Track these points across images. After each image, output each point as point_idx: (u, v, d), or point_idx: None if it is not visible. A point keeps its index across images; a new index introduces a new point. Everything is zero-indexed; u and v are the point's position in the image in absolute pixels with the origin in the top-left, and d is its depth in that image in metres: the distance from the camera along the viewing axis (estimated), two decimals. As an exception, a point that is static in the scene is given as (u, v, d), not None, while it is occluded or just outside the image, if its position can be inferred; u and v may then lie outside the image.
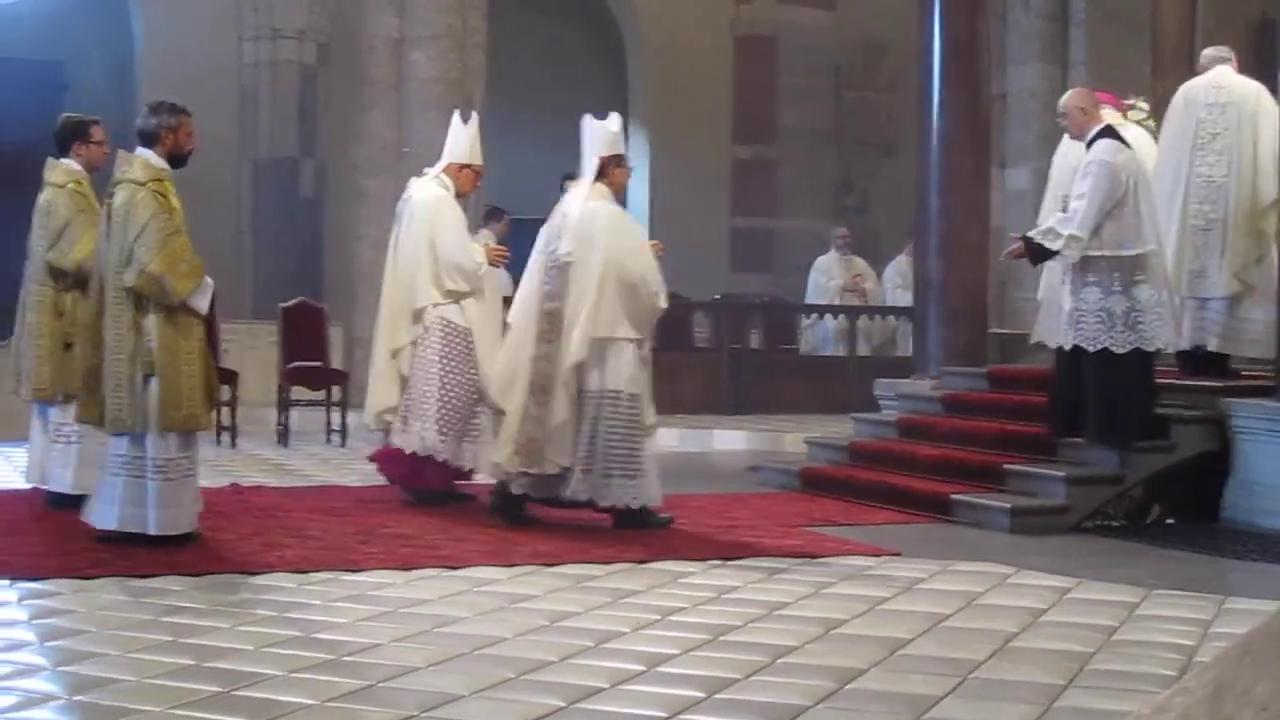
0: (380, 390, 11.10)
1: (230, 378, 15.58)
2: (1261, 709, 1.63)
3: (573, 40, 25.87)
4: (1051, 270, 11.40)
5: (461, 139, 11.49)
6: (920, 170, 13.73)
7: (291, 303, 16.48)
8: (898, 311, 20.50)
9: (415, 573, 8.22)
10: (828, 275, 21.31)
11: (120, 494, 8.84)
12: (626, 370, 9.86)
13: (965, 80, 13.47)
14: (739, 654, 6.29)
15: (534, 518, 10.10)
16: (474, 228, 13.75)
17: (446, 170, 11.40)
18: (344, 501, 10.92)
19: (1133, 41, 19.58)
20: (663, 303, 10.24)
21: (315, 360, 16.03)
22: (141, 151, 9.13)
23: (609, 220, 10.11)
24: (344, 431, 15.72)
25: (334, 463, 13.98)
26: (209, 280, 9.00)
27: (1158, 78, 19.48)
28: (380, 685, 5.64)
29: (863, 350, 20.72)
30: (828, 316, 20.86)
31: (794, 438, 15.60)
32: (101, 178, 10.67)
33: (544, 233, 10.28)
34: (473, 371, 10.92)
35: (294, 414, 15.97)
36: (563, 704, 5.39)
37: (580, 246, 9.96)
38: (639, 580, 8.10)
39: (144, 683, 5.65)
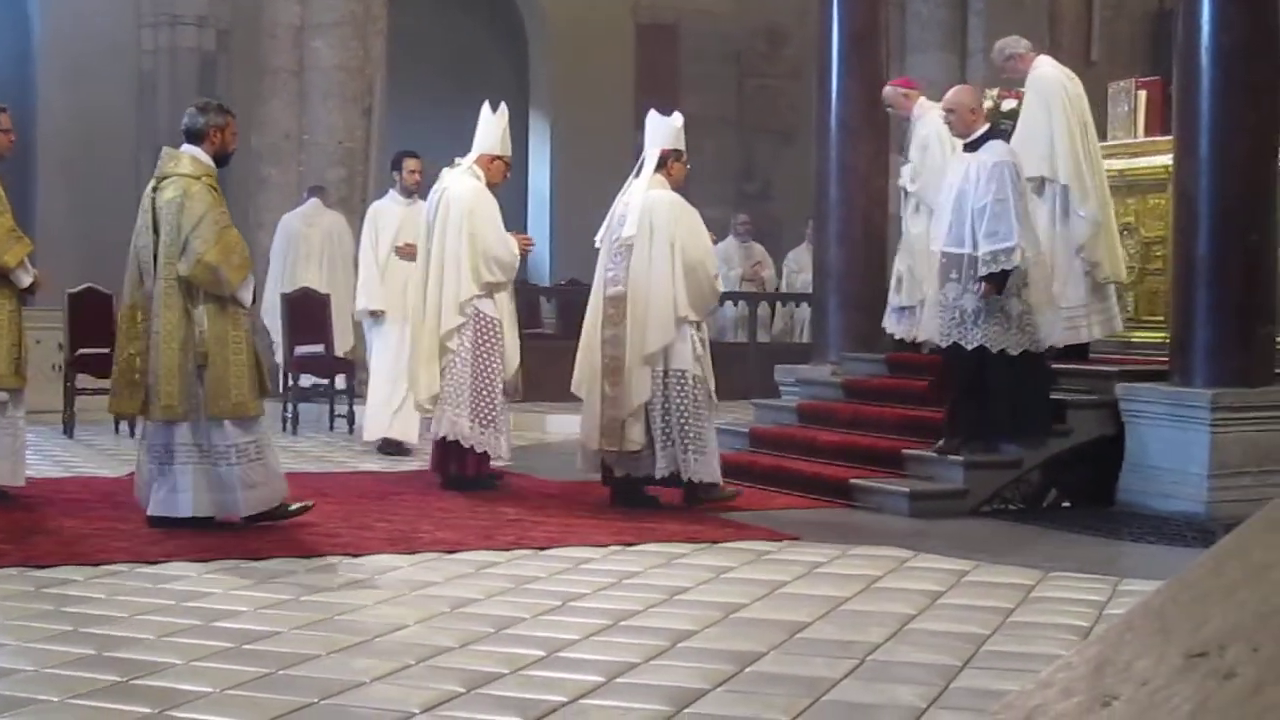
0: (431, 375, 11.26)
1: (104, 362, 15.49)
2: (1141, 684, 1.66)
3: (475, 28, 25.77)
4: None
5: (493, 130, 11.68)
6: (820, 158, 13.78)
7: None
8: (798, 298, 20.57)
9: (316, 561, 8.20)
10: (727, 263, 21.33)
11: (190, 481, 9.01)
12: (690, 351, 10.25)
13: (865, 69, 13.53)
14: (639, 638, 6.32)
15: (654, 498, 10.39)
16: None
17: (478, 161, 11.57)
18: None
19: (1032, 30, 19.74)
20: (720, 286, 10.92)
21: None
22: (188, 148, 9.34)
23: (670, 208, 10.49)
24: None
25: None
26: (253, 275, 9.30)
27: (1056, 66, 19.67)
28: (281, 673, 5.63)
29: (762, 337, 20.78)
30: (727, 303, 20.89)
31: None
32: (5, 167, 10.63)
33: (605, 224, 10.73)
34: (499, 362, 11.19)
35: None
36: (463, 690, 5.40)
37: (642, 232, 10.35)
38: (539, 566, 8.12)
39: (43, 672, 5.62)
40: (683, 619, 6.75)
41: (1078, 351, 11.62)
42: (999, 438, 10.68)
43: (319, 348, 16.06)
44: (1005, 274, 10.26)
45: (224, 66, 21.61)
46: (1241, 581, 1.75)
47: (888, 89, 12.83)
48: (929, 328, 11.08)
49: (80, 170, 20.65)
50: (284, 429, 15.47)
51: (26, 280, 10.41)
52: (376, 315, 13.53)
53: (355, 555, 8.36)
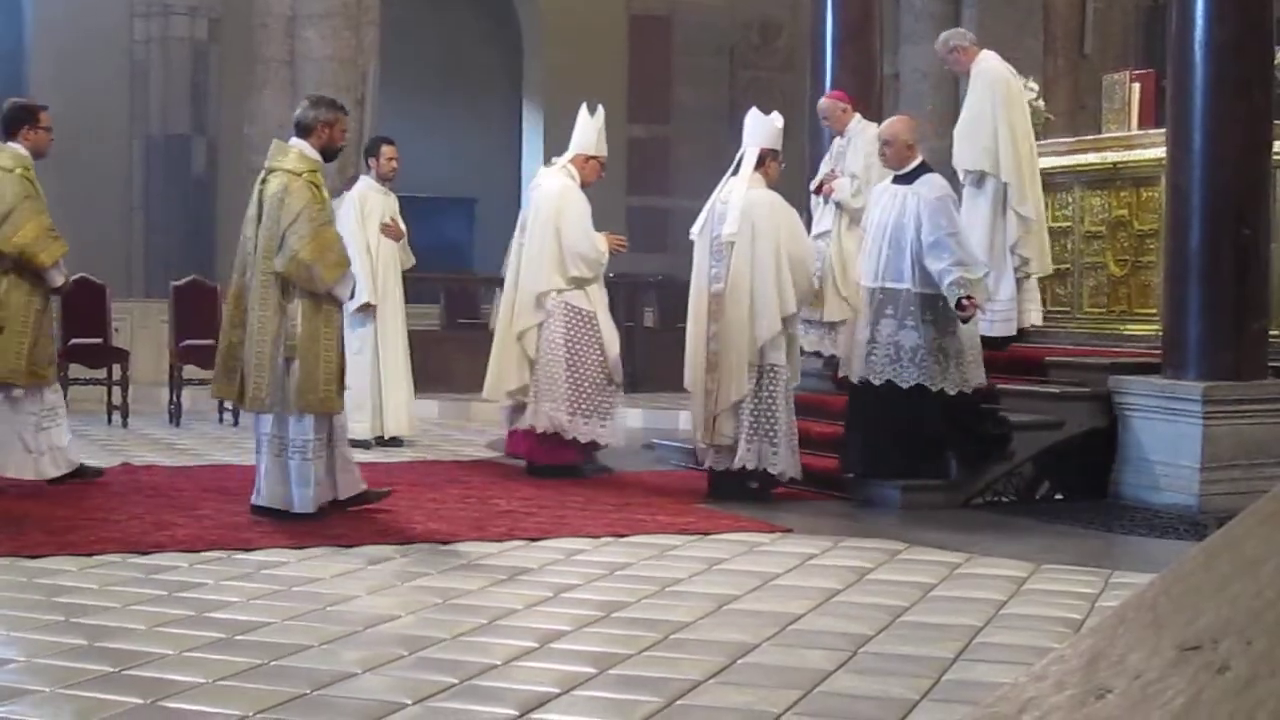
0: (509, 370, 11.56)
1: (121, 356, 15.49)
2: (1134, 677, 1.66)
3: (467, 19, 25.78)
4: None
5: (589, 131, 11.87)
6: (812, 150, 13.78)
7: (183, 281, 16.35)
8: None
9: (307, 551, 8.20)
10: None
11: (264, 470, 9.19)
12: (784, 346, 10.45)
13: (858, 60, 13.51)
14: (632, 630, 6.32)
15: (754, 489, 10.51)
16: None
17: (573, 161, 11.84)
18: (236, 480, 10.84)
19: (1025, 21, 19.74)
20: (816, 284, 11.14)
21: (207, 339, 15.86)
22: (296, 142, 9.36)
23: (770, 209, 10.57)
24: (236, 410, 15.60)
25: (226, 441, 13.89)
26: (353, 271, 9.30)
27: (1049, 57, 19.68)
28: (273, 664, 5.64)
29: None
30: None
31: (689, 415, 15.63)
32: (44, 164, 10.73)
33: (702, 219, 10.83)
34: (599, 352, 11.42)
35: (186, 393, 15.83)
36: (455, 681, 5.41)
37: (743, 232, 10.45)
38: (532, 558, 8.12)
39: (34, 662, 5.62)
40: (675, 610, 6.76)
41: (998, 344, 11.65)
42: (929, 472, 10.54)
43: (209, 341, 15.94)
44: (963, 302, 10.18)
45: (216, 56, 21.59)
46: (1234, 575, 1.75)
47: (824, 101, 12.76)
48: (854, 365, 10.62)
49: (72, 159, 20.55)
50: (170, 420, 15.46)
51: (59, 280, 10.69)
52: (369, 309, 13.40)
53: (347, 546, 8.36)
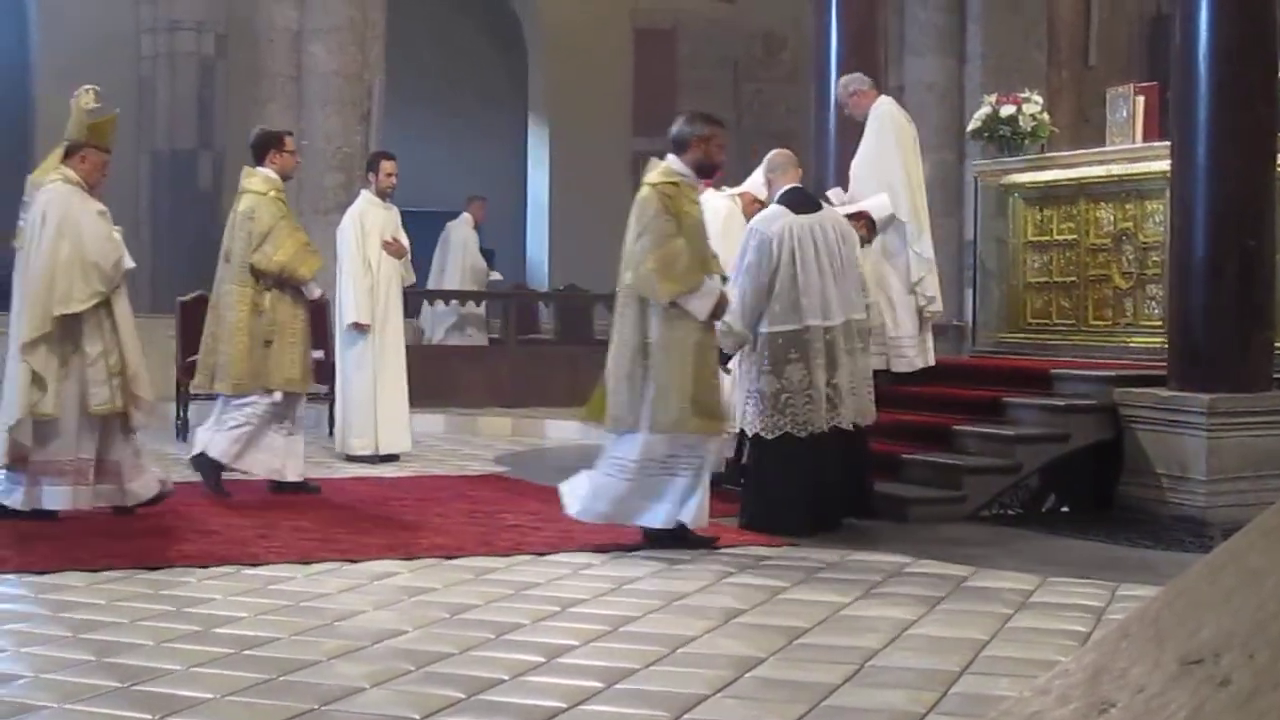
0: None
1: None
2: (1137, 691, 1.67)
3: (473, 33, 25.81)
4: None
5: (760, 179, 11.53)
6: (817, 162, 13.80)
7: (189, 296, 16.32)
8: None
9: (315, 566, 8.21)
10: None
11: (657, 492, 8.87)
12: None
13: (861, 73, 13.51)
14: (638, 644, 6.33)
15: None
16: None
17: (742, 195, 11.82)
18: (244, 495, 10.86)
19: (1029, 33, 19.77)
20: None
21: (212, 355, 15.89)
22: (671, 158, 9.17)
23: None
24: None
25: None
26: (709, 283, 8.92)
27: (1053, 69, 19.71)
28: (280, 679, 5.65)
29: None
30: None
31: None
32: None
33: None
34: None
35: (193, 408, 15.83)
36: (463, 695, 5.41)
37: None
38: (539, 572, 8.13)
39: (42, 678, 5.63)
40: (682, 624, 6.77)
41: (897, 379, 11.79)
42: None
43: None
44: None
45: (222, 71, 21.63)
46: (1237, 588, 1.76)
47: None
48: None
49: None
50: (177, 436, 15.43)
51: (316, 293, 11.46)
52: (362, 329, 13.42)
53: (354, 561, 8.37)
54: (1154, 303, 11.99)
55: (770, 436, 9.70)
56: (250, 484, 11.25)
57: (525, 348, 19.10)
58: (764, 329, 9.75)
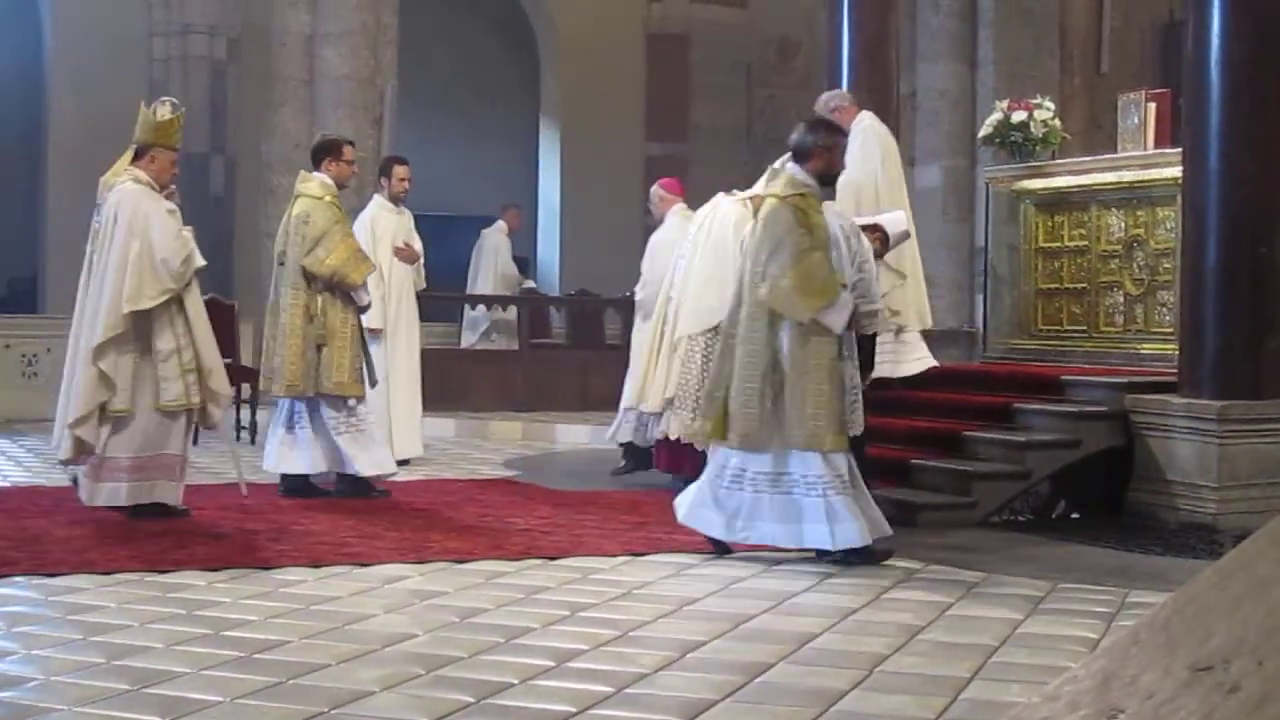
0: (668, 378, 11.73)
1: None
2: (1147, 697, 1.67)
3: (485, 37, 25.81)
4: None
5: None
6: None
7: (202, 299, 16.36)
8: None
9: (326, 570, 8.22)
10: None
11: (832, 512, 8.64)
12: None
13: (874, 79, 13.55)
14: (648, 649, 6.33)
15: None
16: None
17: (753, 200, 11.81)
18: (254, 499, 10.87)
19: (1041, 40, 19.76)
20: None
21: (225, 357, 15.86)
22: (790, 167, 9.06)
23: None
24: (254, 428, 15.63)
25: (244, 460, 13.89)
26: (845, 295, 8.75)
27: (1066, 76, 19.69)
28: (290, 682, 5.65)
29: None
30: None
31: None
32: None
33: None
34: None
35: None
36: (472, 700, 5.42)
37: None
38: (549, 577, 8.13)
39: (52, 680, 5.64)
40: (691, 629, 6.77)
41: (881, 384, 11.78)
42: None
43: (227, 360, 15.94)
44: None
45: (234, 75, 21.64)
46: (1246, 595, 1.76)
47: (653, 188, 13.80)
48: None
49: (91, 178, 20.55)
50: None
51: (366, 299, 11.57)
52: (375, 334, 13.42)
53: (365, 565, 8.38)
54: (1165, 309, 11.98)
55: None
56: (265, 488, 11.27)
57: (536, 352, 19.09)
58: None
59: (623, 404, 12.45)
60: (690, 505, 8.97)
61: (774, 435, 8.67)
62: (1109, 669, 1.77)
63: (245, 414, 15.78)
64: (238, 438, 15.63)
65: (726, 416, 8.79)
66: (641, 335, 12.50)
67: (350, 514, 10.24)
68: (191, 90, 21.41)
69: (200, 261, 10.16)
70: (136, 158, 10.24)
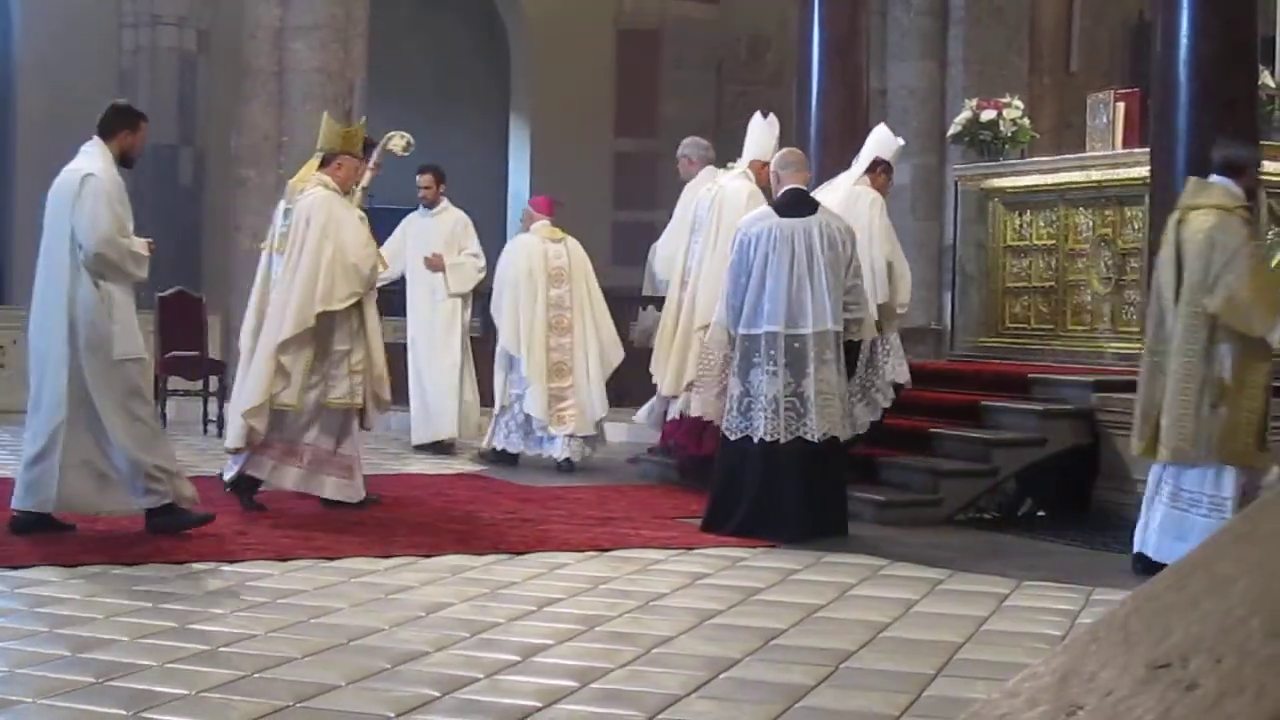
0: (690, 363, 11.76)
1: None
2: (1105, 694, 1.68)
3: (455, 31, 25.77)
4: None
5: (765, 138, 12.00)
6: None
7: (169, 292, 16.32)
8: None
9: (291, 564, 8.21)
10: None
11: (1159, 524, 8.55)
12: None
13: (845, 76, 13.57)
14: (614, 644, 6.34)
15: None
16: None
17: (750, 166, 12.00)
18: (221, 493, 10.83)
19: (1011, 39, 19.79)
20: None
21: (193, 350, 15.88)
22: (1221, 180, 8.73)
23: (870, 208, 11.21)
24: (221, 422, 15.57)
25: (211, 453, 13.85)
26: None
27: (1035, 75, 19.72)
28: (255, 676, 5.65)
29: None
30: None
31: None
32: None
33: None
34: None
35: (171, 404, 15.81)
36: (438, 694, 5.42)
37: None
38: (515, 571, 8.13)
39: (16, 673, 5.63)
40: (657, 625, 6.78)
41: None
42: None
43: (194, 353, 15.93)
44: None
45: (204, 67, 21.57)
46: (1205, 593, 1.77)
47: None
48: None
49: (58, 169, 20.62)
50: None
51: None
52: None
53: (330, 559, 8.37)
54: (1132, 308, 12.01)
55: (732, 437, 9.74)
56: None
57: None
58: (740, 330, 9.77)
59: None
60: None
61: (1207, 447, 8.43)
62: (1068, 666, 1.77)
63: (214, 407, 15.71)
64: (204, 430, 15.60)
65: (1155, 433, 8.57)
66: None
67: (316, 508, 10.21)
68: (161, 82, 21.34)
69: (382, 270, 10.66)
70: (323, 164, 10.51)
